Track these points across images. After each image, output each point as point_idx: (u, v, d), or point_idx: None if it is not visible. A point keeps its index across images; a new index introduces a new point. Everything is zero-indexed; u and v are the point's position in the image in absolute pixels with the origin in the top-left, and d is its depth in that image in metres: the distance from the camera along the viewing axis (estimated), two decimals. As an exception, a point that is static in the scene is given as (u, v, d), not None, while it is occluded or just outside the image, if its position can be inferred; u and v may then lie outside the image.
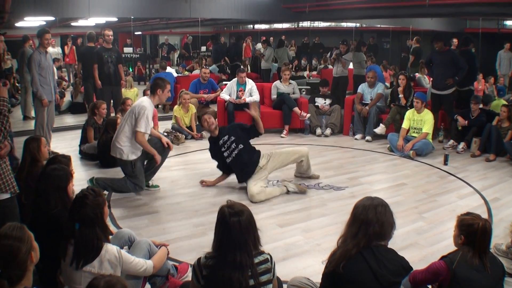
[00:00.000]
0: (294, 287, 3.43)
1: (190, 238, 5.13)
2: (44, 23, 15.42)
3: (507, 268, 4.37)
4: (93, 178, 6.41)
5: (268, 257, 3.05)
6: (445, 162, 8.11)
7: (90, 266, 3.19)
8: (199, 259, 3.03)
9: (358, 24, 19.80)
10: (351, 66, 13.06)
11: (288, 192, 6.57)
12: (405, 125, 8.82)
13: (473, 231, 3.25)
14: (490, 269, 3.21)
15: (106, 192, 6.28)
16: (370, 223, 3.00)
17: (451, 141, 9.14)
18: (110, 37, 10.12)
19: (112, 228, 5.08)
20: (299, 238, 5.19)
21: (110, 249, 3.31)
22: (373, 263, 2.94)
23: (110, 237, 3.93)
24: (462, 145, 8.90)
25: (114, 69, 10.17)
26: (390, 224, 3.08)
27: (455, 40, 13.14)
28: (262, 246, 3.09)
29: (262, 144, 9.35)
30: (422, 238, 5.21)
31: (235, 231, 2.91)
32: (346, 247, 3.02)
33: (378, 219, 3.01)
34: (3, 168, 3.53)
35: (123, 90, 10.79)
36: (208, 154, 7.21)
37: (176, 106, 10.09)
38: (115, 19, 15.74)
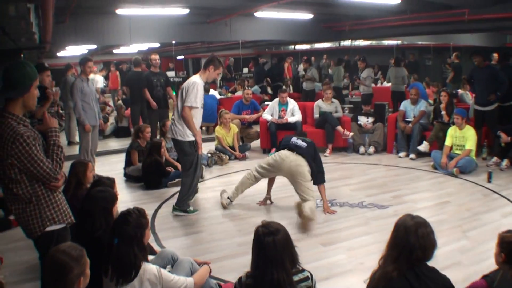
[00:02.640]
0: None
1: (233, 258, 5.21)
2: (86, 51, 15.91)
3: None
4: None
5: (309, 275, 3.10)
6: (489, 180, 8.01)
7: (130, 286, 3.29)
8: (240, 278, 3.11)
9: (399, 42, 19.72)
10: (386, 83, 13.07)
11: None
12: (448, 142, 8.76)
13: (513, 249, 3.22)
14: (532, 289, 3.17)
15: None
16: (412, 248, 2.95)
17: (495, 158, 9.01)
18: (157, 61, 10.38)
19: (156, 248, 5.21)
20: (342, 257, 5.23)
21: (150, 268, 3.39)
22: (415, 283, 2.93)
23: (154, 256, 4.05)
24: (505, 162, 8.75)
25: (163, 92, 10.46)
26: (432, 246, 3.03)
27: (495, 55, 12.99)
28: (300, 264, 3.13)
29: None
30: (466, 257, 5.18)
31: (270, 250, 2.97)
32: (385, 268, 3.02)
33: (420, 244, 2.96)
34: (60, 198, 3.65)
35: (170, 113, 10.99)
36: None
37: (217, 127, 10.24)
38: (157, 44, 16.07)
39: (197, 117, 6.46)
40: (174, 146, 6.89)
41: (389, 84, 14.62)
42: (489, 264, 4.65)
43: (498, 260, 3.35)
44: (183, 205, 6.67)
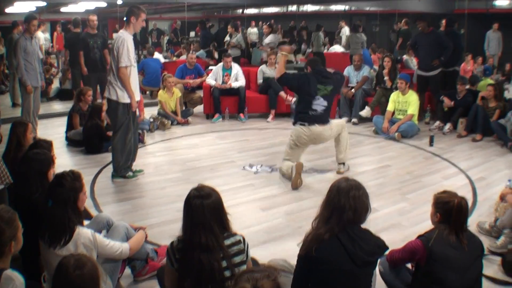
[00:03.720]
0: (271, 268, 3.43)
1: (173, 223, 5.06)
2: (35, 8, 15.34)
3: (489, 246, 4.44)
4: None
5: (241, 238, 3.05)
6: (431, 143, 8.12)
7: (65, 250, 3.18)
8: (172, 243, 3.04)
9: (346, 7, 19.73)
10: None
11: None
12: (390, 107, 8.81)
13: (448, 209, 3.26)
14: (468, 246, 3.21)
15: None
16: (343, 209, 2.96)
17: (437, 122, 9.16)
18: (95, 22, 9.98)
19: (95, 213, 5.09)
20: (281, 221, 5.19)
21: (84, 232, 3.31)
22: (347, 244, 2.91)
23: (89, 221, 3.95)
24: (448, 126, 8.91)
25: (100, 54, 10.07)
26: (365, 208, 3.03)
27: (444, 21, 13.17)
28: (232, 230, 3.08)
29: (249, 128, 9.40)
30: (405, 219, 5.23)
31: (197, 213, 2.91)
32: (318, 231, 3.00)
33: (351, 205, 2.96)
34: None
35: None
36: (193, 140, 7.17)
37: (160, 91, 10.01)
38: (104, 4, 15.63)
39: (133, 76, 6.24)
40: (108, 107, 6.67)
41: (342, 50, 14.67)
42: (429, 225, 4.66)
43: (434, 220, 3.41)
44: (120, 171, 6.47)
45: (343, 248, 2.91)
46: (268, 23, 13.93)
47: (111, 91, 6.17)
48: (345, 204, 2.96)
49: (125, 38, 6.04)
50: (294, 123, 6.70)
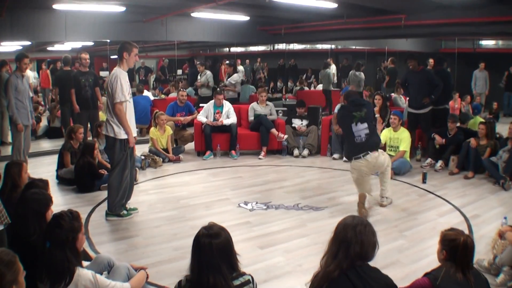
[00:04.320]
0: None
1: (170, 262, 5.04)
2: (21, 47, 15.34)
3: (490, 284, 4.41)
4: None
5: (250, 278, 3.02)
6: (424, 180, 8.16)
7: None
8: (179, 282, 2.99)
9: (333, 46, 19.98)
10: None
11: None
12: (381, 141, 8.86)
13: (454, 246, 3.26)
14: (474, 284, 3.20)
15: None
16: (350, 242, 2.96)
17: (429, 160, 9.23)
18: (87, 60, 9.99)
19: (91, 254, 5.01)
20: (281, 259, 5.13)
21: (85, 273, 3.26)
22: (356, 282, 2.89)
23: (89, 263, 3.89)
24: (440, 163, 8.97)
25: (92, 92, 10.04)
26: (372, 243, 3.03)
27: (431, 60, 13.35)
28: (241, 270, 3.04)
29: (241, 165, 9.38)
30: (404, 256, 5.20)
31: (206, 253, 2.88)
32: (327, 268, 2.99)
33: (357, 239, 2.97)
34: None
35: (100, 113, 10.68)
36: (185, 177, 7.12)
37: (152, 128, 9.97)
38: (91, 43, 15.69)
39: (129, 112, 6.22)
40: (106, 144, 6.63)
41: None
42: (428, 262, 4.72)
43: (440, 257, 3.40)
44: (115, 209, 6.38)
45: (352, 286, 2.88)
46: (228, 62, 13.94)
47: (108, 128, 6.15)
48: (352, 238, 2.97)
49: (118, 75, 6.06)
50: (349, 160, 7.01)
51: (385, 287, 3.02)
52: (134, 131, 6.32)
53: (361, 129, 6.56)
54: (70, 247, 3.25)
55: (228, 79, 13.04)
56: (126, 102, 6.10)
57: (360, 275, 2.92)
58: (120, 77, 6.06)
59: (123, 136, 6.14)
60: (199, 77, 14.51)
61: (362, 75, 14.38)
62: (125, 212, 6.46)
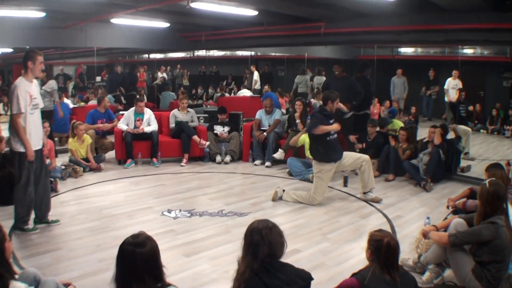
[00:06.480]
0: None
1: (94, 274, 4.90)
2: None
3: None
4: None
5: None
6: (345, 184, 8.40)
7: None
8: None
9: (253, 53, 20.16)
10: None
11: None
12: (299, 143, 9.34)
13: (378, 246, 3.38)
14: (401, 284, 3.32)
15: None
16: (258, 245, 3.15)
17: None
18: None
19: (15, 268, 4.87)
20: (206, 267, 5.12)
21: (19, 287, 3.15)
22: (265, 277, 3.07)
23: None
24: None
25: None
26: (279, 243, 3.22)
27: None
28: (166, 281, 3.01)
29: (163, 173, 9.33)
30: (328, 259, 5.30)
31: (129, 261, 2.86)
32: (239, 271, 3.17)
33: (265, 241, 3.15)
34: None
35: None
36: (107, 187, 7.02)
37: (70, 139, 9.67)
38: (10, 50, 15.18)
39: (32, 123, 5.97)
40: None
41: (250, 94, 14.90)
42: (353, 264, 4.86)
43: (367, 255, 3.52)
44: (18, 224, 6.10)
45: (262, 283, 3.06)
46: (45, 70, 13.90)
47: (11, 141, 5.93)
48: (259, 241, 3.16)
49: (17, 85, 5.81)
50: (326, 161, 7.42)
51: (297, 278, 3.19)
52: (38, 144, 6.07)
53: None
54: (0, 259, 3.14)
55: (43, 87, 12.37)
56: (24, 114, 5.83)
57: (268, 271, 3.10)
58: (19, 88, 5.79)
59: (20, 149, 5.86)
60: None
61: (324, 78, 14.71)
62: (29, 226, 6.16)
